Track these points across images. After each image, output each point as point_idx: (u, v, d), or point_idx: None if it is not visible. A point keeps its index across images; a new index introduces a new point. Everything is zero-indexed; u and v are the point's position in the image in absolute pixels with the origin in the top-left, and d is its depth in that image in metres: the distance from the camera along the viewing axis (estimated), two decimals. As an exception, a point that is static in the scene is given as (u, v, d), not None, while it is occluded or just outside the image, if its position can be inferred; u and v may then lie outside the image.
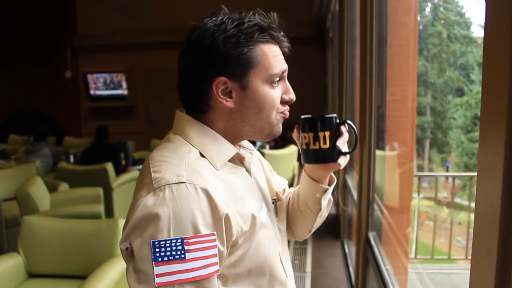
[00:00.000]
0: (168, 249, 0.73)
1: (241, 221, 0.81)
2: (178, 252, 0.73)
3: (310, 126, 0.91)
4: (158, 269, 0.72)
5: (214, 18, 0.84)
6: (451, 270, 4.66)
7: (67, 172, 4.66)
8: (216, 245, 0.76)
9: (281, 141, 6.76)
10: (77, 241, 2.65)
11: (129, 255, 0.77)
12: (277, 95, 0.87)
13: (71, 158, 5.62)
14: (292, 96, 0.90)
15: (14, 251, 2.69)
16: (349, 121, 0.94)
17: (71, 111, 9.86)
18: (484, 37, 0.62)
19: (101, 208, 3.60)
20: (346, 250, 3.34)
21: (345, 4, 3.74)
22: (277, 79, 0.87)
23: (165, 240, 0.73)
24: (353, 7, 3.52)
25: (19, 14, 9.66)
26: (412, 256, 4.52)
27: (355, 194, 2.76)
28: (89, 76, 9.26)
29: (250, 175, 0.94)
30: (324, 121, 0.91)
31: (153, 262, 0.72)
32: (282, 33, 0.88)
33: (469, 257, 0.67)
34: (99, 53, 9.17)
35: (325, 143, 0.90)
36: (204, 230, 0.74)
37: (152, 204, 0.75)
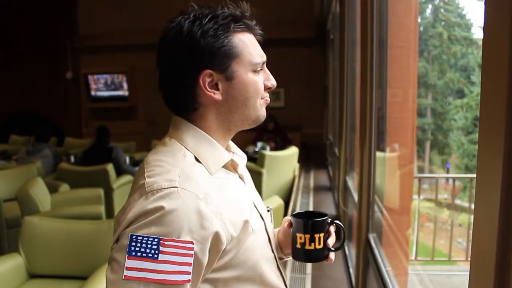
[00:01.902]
0: (144, 245, 0.73)
1: (232, 229, 0.81)
2: (152, 251, 0.73)
3: (306, 228, 0.95)
4: (129, 262, 0.73)
5: (186, 16, 0.85)
6: (451, 272, 4.66)
7: (68, 172, 4.66)
8: (192, 254, 0.75)
9: (281, 142, 6.76)
10: (77, 241, 2.65)
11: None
12: (260, 82, 0.89)
13: (72, 159, 5.62)
14: (273, 82, 0.92)
15: (15, 251, 2.70)
16: (337, 221, 0.99)
17: (71, 111, 9.86)
18: (483, 39, 0.63)
19: (101, 208, 3.60)
20: (347, 252, 3.34)
21: (346, 6, 3.75)
22: (259, 68, 0.89)
23: (143, 236, 0.74)
24: (354, 9, 3.52)
25: (20, 14, 9.67)
26: (413, 257, 4.52)
27: (355, 196, 2.76)
28: (90, 77, 9.26)
29: (244, 181, 0.95)
30: (318, 224, 0.96)
31: (126, 255, 0.73)
32: (254, 21, 0.89)
33: (470, 259, 0.68)
34: (100, 54, 9.17)
35: (319, 243, 0.96)
36: (184, 237, 0.74)
37: (143, 205, 0.76)
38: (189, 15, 0.85)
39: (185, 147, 0.85)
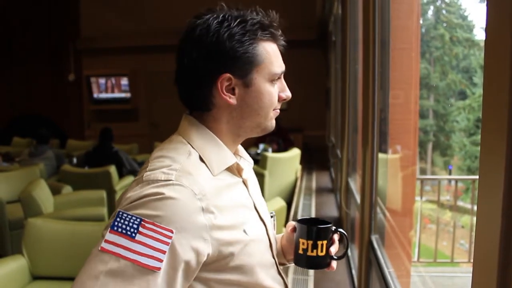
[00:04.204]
0: (126, 222, 0.75)
1: (225, 232, 0.81)
2: (132, 230, 0.74)
3: (309, 234, 0.95)
4: (109, 236, 0.75)
5: (215, 15, 0.84)
6: (454, 273, 4.65)
7: (71, 174, 4.67)
8: (168, 243, 0.74)
9: (283, 144, 6.75)
10: (80, 243, 2.65)
11: None
12: (276, 93, 0.89)
13: (74, 161, 5.63)
14: (288, 94, 0.92)
15: (18, 253, 2.70)
16: (341, 230, 0.99)
17: (73, 113, 9.87)
18: (485, 40, 0.63)
19: (104, 210, 3.61)
20: (349, 253, 3.33)
21: (348, 8, 3.75)
22: (277, 78, 0.89)
23: (127, 214, 0.75)
24: (356, 11, 3.52)
25: (22, 16, 9.69)
26: (415, 259, 4.51)
27: (357, 197, 2.76)
28: (92, 79, 9.29)
29: (247, 186, 0.94)
30: (322, 231, 0.96)
31: (109, 228, 0.75)
32: (280, 31, 0.89)
33: (472, 260, 0.68)
34: (102, 56, 9.20)
35: (322, 251, 0.95)
36: (166, 224, 0.75)
37: (137, 192, 0.78)
38: (218, 15, 0.84)
39: (190, 145, 0.86)
